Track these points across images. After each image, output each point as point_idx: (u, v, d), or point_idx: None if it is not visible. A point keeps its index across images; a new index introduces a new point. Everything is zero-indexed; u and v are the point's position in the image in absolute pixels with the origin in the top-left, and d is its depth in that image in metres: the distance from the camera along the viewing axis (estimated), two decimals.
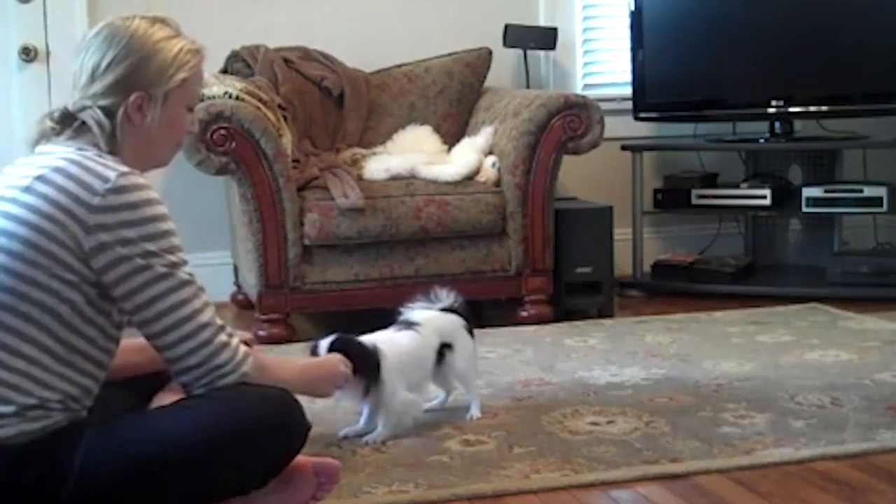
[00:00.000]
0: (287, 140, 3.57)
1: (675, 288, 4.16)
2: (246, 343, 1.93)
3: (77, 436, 1.71)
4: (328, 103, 4.00)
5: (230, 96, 3.45)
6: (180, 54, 1.83)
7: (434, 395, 2.65)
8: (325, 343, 2.31)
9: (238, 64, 3.93)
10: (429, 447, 2.37)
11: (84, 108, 1.80)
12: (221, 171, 3.38)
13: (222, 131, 3.32)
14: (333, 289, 3.50)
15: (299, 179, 3.51)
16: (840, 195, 4.06)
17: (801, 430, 2.43)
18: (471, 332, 2.60)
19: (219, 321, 1.81)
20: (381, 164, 3.68)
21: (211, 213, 4.13)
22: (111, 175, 1.72)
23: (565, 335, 3.44)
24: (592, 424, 2.51)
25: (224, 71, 3.92)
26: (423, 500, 2.09)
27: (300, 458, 1.94)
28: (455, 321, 2.58)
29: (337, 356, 2.20)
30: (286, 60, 3.96)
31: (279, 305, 3.47)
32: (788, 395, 2.70)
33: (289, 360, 2.03)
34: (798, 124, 4.32)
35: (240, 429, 1.78)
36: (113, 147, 1.80)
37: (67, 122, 1.81)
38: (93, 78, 1.80)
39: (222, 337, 1.80)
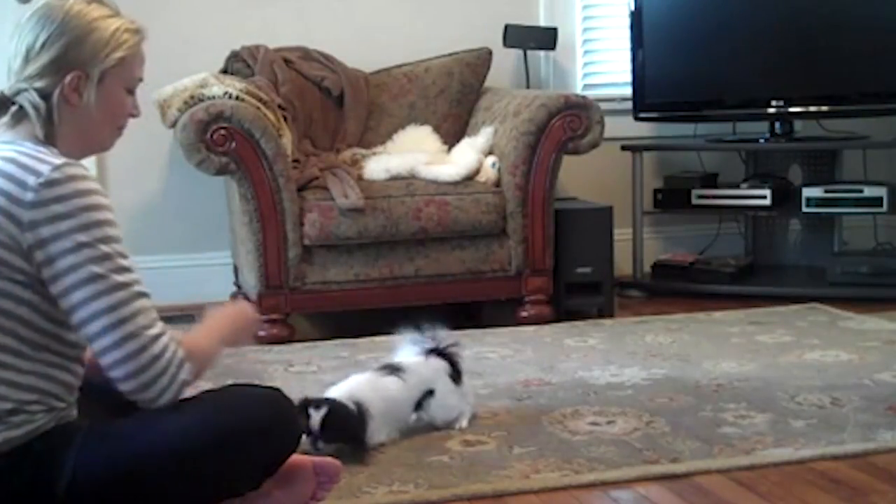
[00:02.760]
0: (287, 140, 3.57)
1: (675, 288, 4.16)
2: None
3: (67, 439, 1.69)
4: (328, 103, 4.00)
5: (230, 96, 3.45)
6: (117, 33, 1.78)
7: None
8: (317, 417, 2.25)
9: (238, 64, 3.93)
10: (429, 447, 2.37)
11: (19, 92, 1.75)
12: (221, 171, 3.38)
13: (222, 131, 3.32)
14: (333, 289, 3.50)
15: (299, 179, 3.51)
16: (840, 195, 4.06)
17: (801, 430, 2.43)
18: (455, 377, 2.53)
19: (156, 327, 1.70)
20: (381, 164, 3.68)
21: (211, 213, 4.13)
22: (44, 169, 1.66)
23: (565, 335, 3.44)
24: (592, 424, 2.51)
25: (224, 71, 3.92)
26: (423, 500, 2.09)
27: (300, 458, 1.94)
28: (439, 368, 2.52)
29: (242, 304, 2.07)
30: (286, 60, 3.96)
31: (279, 305, 3.46)
32: (788, 395, 2.70)
33: (206, 333, 1.88)
34: (798, 124, 4.32)
35: (232, 430, 1.76)
36: (50, 132, 1.74)
37: (3, 107, 1.76)
38: (27, 59, 1.75)
39: (158, 345, 1.69)
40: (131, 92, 1.85)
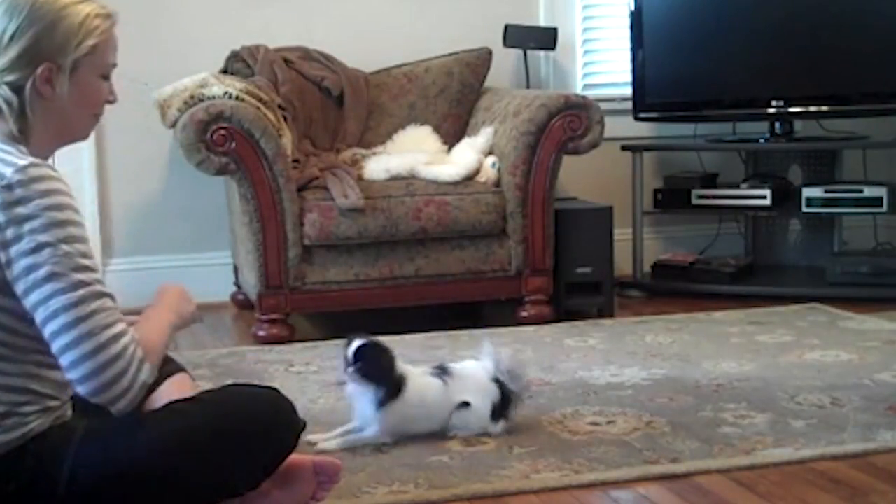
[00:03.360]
0: (287, 140, 3.57)
1: (675, 288, 4.16)
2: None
3: (65, 440, 1.69)
4: (328, 103, 4.00)
5: (230, 96, 3.45)
6: (87, 19, 1.73)
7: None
8: (353, 346, 2.35)
9: (238, 64, 3.93)
10: (429, 447, 2.36)
11: None
12: (221, 171, 3.38)
13: (222, 131, 3.32)
14: (333, 289, 3.50)
15: (299, 179, 3.51)
16: (840, 195, 4.06)
17: (801, 430, 2.43)
18: (498, 412, 2.44)
19: (116, 327, 1.65)
20: (381, 164, 3.68)
21: (211, 213, 4.13)
22: (7, 172, 1.62)
23: (565, 335, 3.44)
24: (592, 424, 2.51)
25: (224, 71, 3.92)
26: (423, 500, 2.09)
27: (300, 457, 1.94)
28: (489, 392, 2.45)
29: (173, 286, 1.99)
30: (286, 60, 3.96)
31: (279, 305, 3.46)
32: (788, 395, 2.70)
33: (153, 324, 1.80)
34: (798, 124, 4.32)
35: (230, 430, 1.76)
36: (24, 126, 1.70)
37: None
38: None
39: (118, 345, 1.64)
40: (106, 78, 1.80)
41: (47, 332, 1.62)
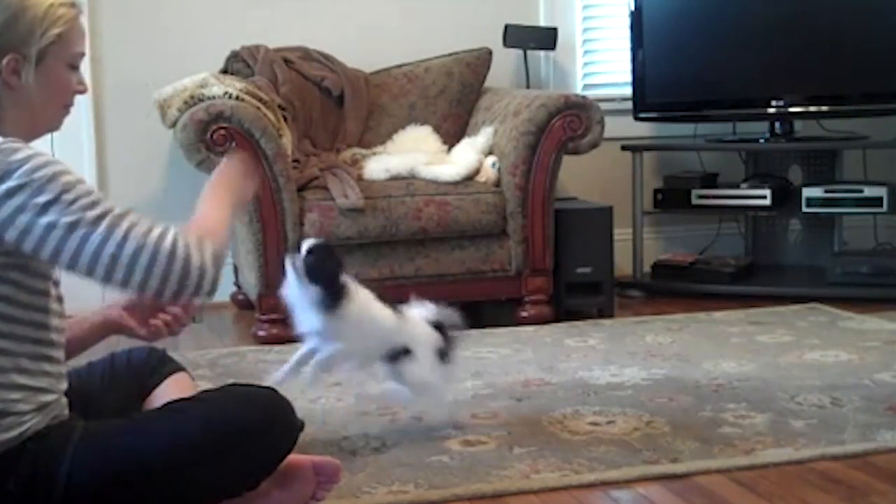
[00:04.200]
0: (287, 140, 3.57)
1: (675, 288, 4.16)
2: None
3: (63, 440, 1.69)
4: (328, 103, 4.00)
5: (230, 96, 3.45)
6: (51, 9, 1.72)
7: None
8: (306, 244, 2.27)
9: (238, 64, 3.93)
10: (429, 447, 2.36)
11: None
12: None
13: (222, 131, 3.32)
14: None
15: (299, 179, 3.51)
16: (840, 195, 4.07)
17: (801, 430, 2.43)
18: (443, 354, 2.43)
19: (156, 230, 1.66)
20: (381, 164, 3.68)
21: None
22: None
23: (565, 335, 3.44)
24: (592, 424, 2.51)
25: (224, 71, 3.92)
26: (423, 500, 2.08)
27: (300, 458, 1.94)
28: (431, 337, 2.43)
29: (232, 164, 2.04)
30: (286, 60, 3.96)
31: (279, 305, 3.44)
32: (788, 395, 2.70)
33: (211, 204, 1.87)
34: (798, 124, 4.32)
35: (229, 430, 1.76)
36: None
37: None
38: None
39: (167, 242, 1.65)
40: (75, 68, 1.79)
41: (99, 276, 1.63)
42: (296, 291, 2.28)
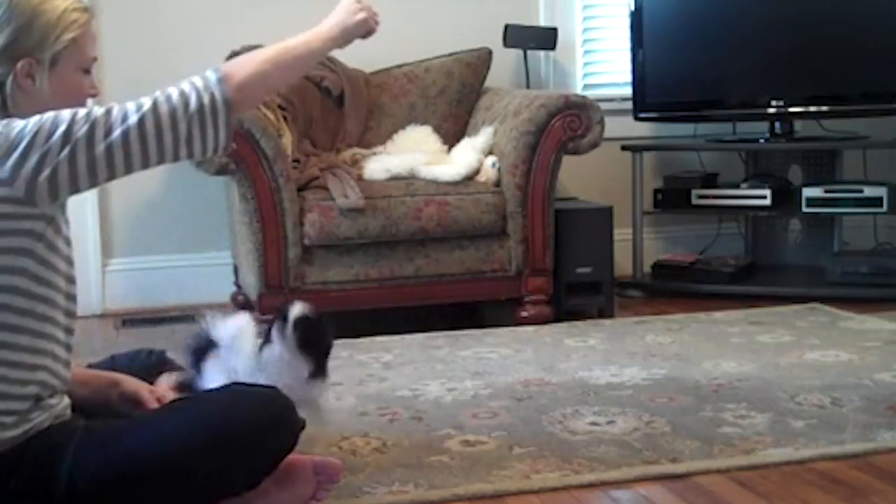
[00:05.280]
0: (287, 140, 3.57)
1: (675, 288, 4.16)
2: None
3: (65, 440, 1.69)
4: (328, 103, 4.00)
5: None
6: (65, 14, 1.77)
7: None
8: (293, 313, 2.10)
9: None
10: (429, 447, 2.36)
11: None
12: (221, 171, 3.37)
13: None
14: (333, 289, 3.49)
15: (299, 179, 3.51)
16: (840, 195, 4.07)
17: (801, 430, 2.43)
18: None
19: (147, 100, 1.73)
20: (381, 164, 3.68)
21: (211, 213, 4.13)
22: None
23: (565, 335, 3.44)
24: (592, 424, 2.51)
25: None
26: (423, 500, 2.08)
27: (300, 457, 1.94)
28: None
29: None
30: None
31: (279, 305, 3.45)
32: (788, 395, 2.70)
33: (255, 52, 1.90)
34: (798, 124, 4.32)
35: (229, 429, 1.76)
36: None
37: None
38: None
39: (163, 104, 1.73)
40: (87, 72, 1.83)
41: (127, 167, 1.70)
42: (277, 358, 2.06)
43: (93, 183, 1.69)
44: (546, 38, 4.28)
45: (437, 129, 3.95)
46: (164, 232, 4.15)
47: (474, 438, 2.42)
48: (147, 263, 4.11)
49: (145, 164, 1.73)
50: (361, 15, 2.01)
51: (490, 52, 4.12)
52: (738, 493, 2.10)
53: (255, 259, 3.43)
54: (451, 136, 3.95)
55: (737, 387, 2.79)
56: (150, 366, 2.13)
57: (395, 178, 3.60)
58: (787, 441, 2.35)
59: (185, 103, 1.74)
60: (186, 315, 3.96)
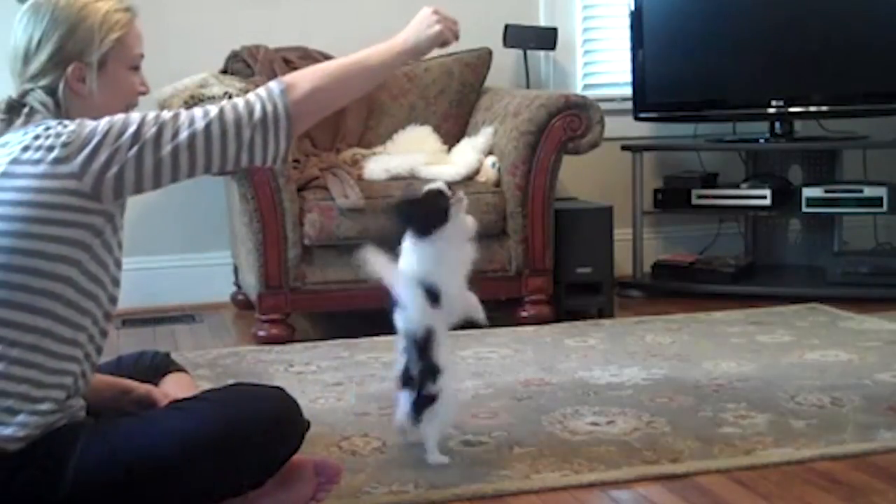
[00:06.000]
0: None
1: (675, 288, 4.16)
2: None
3: (72, 438, 1.70)
4: None
5: (230, 96, 3.45)
6: (108, 15, 1.80)
7: None
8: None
9: (238, 64, 3.93)
10: None
11: (27, 93, 1.79)
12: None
13: None
14: (333, 289, 3.49)
15: (299, 179, 3.51)
16: (840, 195, 4.07)
17: (801, 430, 2.43)
18: None
19: (213, 108, 1.82)
20: (381, 164, 3.68)
21: (211, 214, 4.13)
22: (62, 129, 1.71)
23: (565, 335, 3.44)
24: (592, 424, 2.51)
25: (224, 71, 3.92)
26: (423, 500, 2.09)
27: (301, 458, 1.94)
28: None
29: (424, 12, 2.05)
30: (286, 60, 3.96)
31: (279, 305, 3.46)
32: (788, 395, 2.70)
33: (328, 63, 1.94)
34: (798, 124, 4.32)
35: (234, 429, 1.76)
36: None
37: (16, 111, 1.79)
38: (26, 60, 1.79)
39: (228, 113, 1.81)
40: (136, 69, 1.87)
41: (202, 170, 1.77)
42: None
43: (156, 184, 1.74)
44: (546, 38, 4.28)
45: (437, 129, 3.95)
46: (164, 232, 4.15)
47: (474, 438, 2.42)
48: (147, 263, 4.11)
49: (207, 169, 1.78)
50: (437, 28, 2.02)
51: (490, 52, 4.12)
52: (738, 493, 2.10)
53: (255, 259, 3.43)
54: (451, 137, 3.95)
55: (737, 387, 2.79)
56: (155, 367, 2.13)
57: (395, 178, 3.60)
58: (787, 441, 2.35)
59: (251, 112, 1.79)
60: (186, 315, 3.96)
